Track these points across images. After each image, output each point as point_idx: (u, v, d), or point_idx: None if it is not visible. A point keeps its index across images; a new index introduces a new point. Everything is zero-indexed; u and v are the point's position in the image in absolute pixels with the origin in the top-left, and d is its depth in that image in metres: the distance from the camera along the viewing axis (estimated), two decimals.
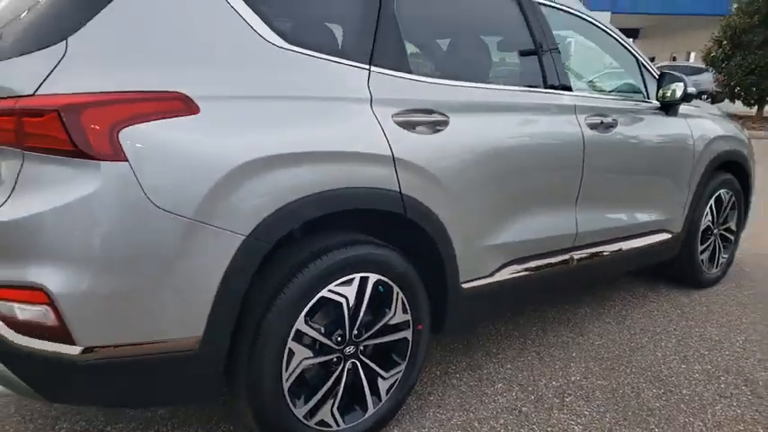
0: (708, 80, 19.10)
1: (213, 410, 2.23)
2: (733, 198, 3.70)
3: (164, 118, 1.52)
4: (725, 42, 16.67)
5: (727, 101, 18.08)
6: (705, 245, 3.57)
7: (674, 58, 30.68)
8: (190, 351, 1.60)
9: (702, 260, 3.57)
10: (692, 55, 29.27)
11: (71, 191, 1.45)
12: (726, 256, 3.76)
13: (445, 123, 2.08)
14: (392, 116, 1.94)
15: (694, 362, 2.70)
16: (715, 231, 3.64)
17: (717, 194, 3.54)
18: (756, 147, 4.08)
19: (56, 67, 1.46)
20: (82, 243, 1.46)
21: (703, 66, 18.78)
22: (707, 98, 19.85)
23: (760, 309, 3.35)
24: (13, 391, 1.62)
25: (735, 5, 16.57)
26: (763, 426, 2.22)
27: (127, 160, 1.46)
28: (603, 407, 2.32)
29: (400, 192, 1.93)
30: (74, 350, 1.49)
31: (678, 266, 3.53)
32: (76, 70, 1.48)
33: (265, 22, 1.76)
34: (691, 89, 3.00)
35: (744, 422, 2.24)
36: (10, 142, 1.48)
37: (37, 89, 1.44)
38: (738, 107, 18.30)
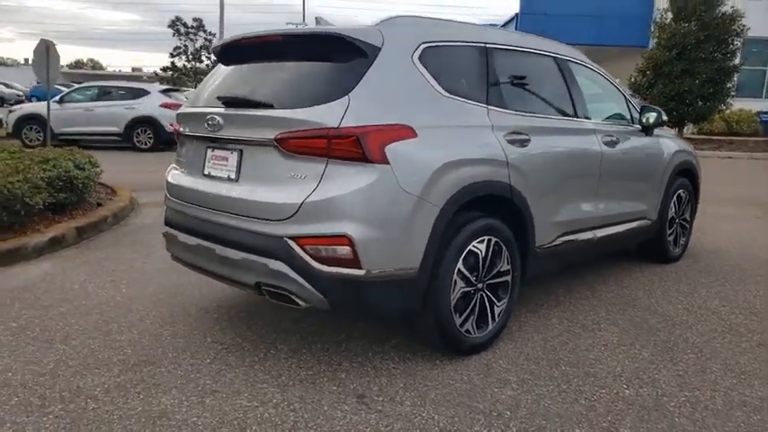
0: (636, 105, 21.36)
1: (383, 330, 3.25)
2: (688, 196, 5.06)
3: (403, 139, 2.61)
4: (648, 72, 18.88)
5: None
6: (671, 230, 4.89)
7: None
8: (414, 275, 2.66)
9: (669, 242, 4.88)
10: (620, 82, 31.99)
11: (359, 181, 2.50)
12: (684, 239, 5.10)
13: (528, 141, 3.24)
14: (503, 136, 3.09)
15: (677, 303, 3.95)
16: (677, 221, 4.97)
17: (677, 193, 4.88)
18: None
19: (346, 110, 2.52)
20: (366, 209, 2.51)
21: (630, 93, 21.00)
22: None
23: (711, 272, 4.67)
24: (310, 303, 2.62)
25: (655, 40, 18.83)
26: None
27: (389, 163, 2.54)
28: (612, 316, 3.50)
29: (510, 184, 3.07)
30: (360, 272, 2.52)
31: (653, 247, 4.82)
32: (356, 112, 2.54)
33: (438, 83, 2.88)
34: (664, 117, 4.32)
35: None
36: (320, 154, 2.52)
37: (340, 123, 2.49)
38: None
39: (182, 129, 3.22)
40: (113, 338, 3.17)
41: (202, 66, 17.83)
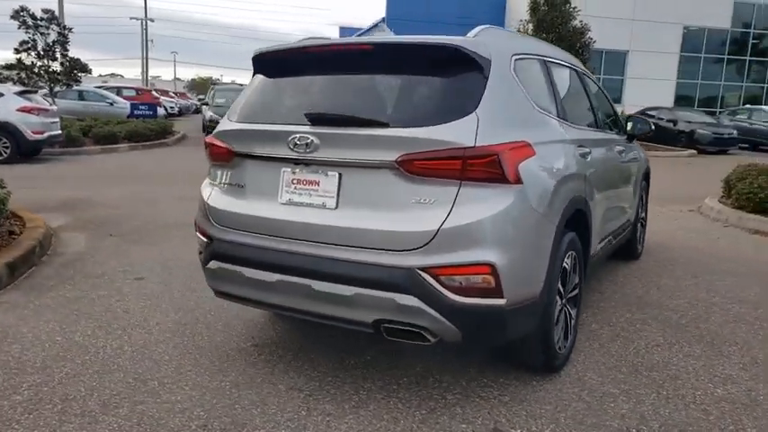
0: None
1: (452, 357, 3.08)
2: (645, 197, 5.50)
3: (528, 157, 2.49)
4: None
5: None
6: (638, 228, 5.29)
7: None
8: (539, 298, 2.55)
9: (638, 240, 5.27)
10: None
11: (498, 203, 2.34)
12: (644, 236, 5.54)
13: (589, 153, 3.29)
14: (576, 149, 3.10)
15: (676, 297, 4.26)
16: (639, 220, 5.38)
17: (641, 195, 5.29)
18: None
19: (477, 128, 2.34)
20: (506, 234, 2.35)
21: None
22: None
23: (675, 266, 5.13)
24: (440, 338, 2.38)
25: None
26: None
27: (523, 183, 2.40)
28: (638, 316, 3.70)
29: (585, 197, 3.09)
30: (501, 301, 2.35)
31: (627, 246, 5.17)
32: (487, 130, 2.37)
33: (532, 101, 2.80)
34: (651, 127, 4.65)
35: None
36: (452, 176, 2.31)
37: (475, 142, 2.31)
38: None
39: (236, 148, 2.77)
40: (167, 400, 2.64)
41: (55, 64, 15.65)
